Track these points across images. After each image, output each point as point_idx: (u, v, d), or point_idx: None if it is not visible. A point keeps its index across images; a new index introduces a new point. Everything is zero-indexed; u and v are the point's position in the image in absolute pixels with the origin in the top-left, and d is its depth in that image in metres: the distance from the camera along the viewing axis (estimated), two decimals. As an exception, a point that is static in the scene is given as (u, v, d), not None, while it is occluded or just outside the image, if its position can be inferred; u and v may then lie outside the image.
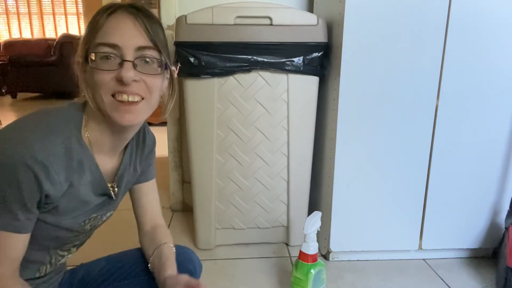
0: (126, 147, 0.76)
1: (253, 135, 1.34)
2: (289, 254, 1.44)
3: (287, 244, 1.50)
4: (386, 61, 1.20)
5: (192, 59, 1.23)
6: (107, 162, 0.71)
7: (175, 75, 0.73)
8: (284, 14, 1.25)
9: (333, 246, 1.35)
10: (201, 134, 1.32)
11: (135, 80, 0.61)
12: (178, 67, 1.24)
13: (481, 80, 1.23)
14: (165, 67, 0.67)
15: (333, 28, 1.28)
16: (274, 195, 1.42)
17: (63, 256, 0.75)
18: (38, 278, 0.72)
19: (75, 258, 0.85)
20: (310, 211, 1.32)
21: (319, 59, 1.28)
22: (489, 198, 1.34)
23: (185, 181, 1.80)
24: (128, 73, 0.60)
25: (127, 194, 0.86)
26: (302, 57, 1.26)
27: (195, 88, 1.28)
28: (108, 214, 0.77)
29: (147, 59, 0.63)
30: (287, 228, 1.47)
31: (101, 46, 0.60)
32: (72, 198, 0.64)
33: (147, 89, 0.64)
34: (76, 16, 7.39)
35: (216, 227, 1.44)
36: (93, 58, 0.61)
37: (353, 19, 1.17)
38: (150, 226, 0.87)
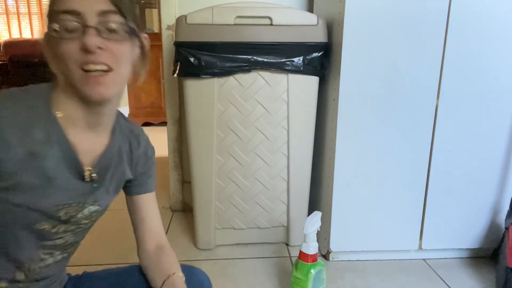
0: (114, 132, 0.71)
1: (253, 135, 1.34)
2: (289, 254, 1.44)
3: (287, 244, 1.50)
4: (386, 61, 1.20)
5: (192, 59, 1.23)
6: (84, 140, 0.66)
7: (147, 43, 0.69)
8: (284, 14, 1.25)
9: (333, 246, 1.35)
10: (201, 134, 1.32)
11: (100, 48, 0.58)
12: (178, 66, 1.24)
13: (481, 79, 1.23)
14: (132, 33, 0.62)
15: (333, 28, 1.28)
16: (274, 195, 1.42)
17: (43, 261, 0.67)
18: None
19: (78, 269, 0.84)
20: (310, 211, 1.32)
21: (319, 59, 1.28)
22: (489, 198, 1.34)
23: (185, 181, 1.80)
24: (92, 39, 0.56)
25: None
26: (302, 57, 1.26)
27: (195, 88, 1.28)
28: (91, 207, 0.70)
29: (111, 24, 0.59)
30: (287, 228, 1.47)
31: (62, 14, 0.57)
32: (37, 173, 0.59)
33: (114, 58, 0.60)
34: (76, 16, 7.40)
35: (216, 227, 1.44)
36: (56, 28, 0.57)
37: (353, 19, 1.17)
38: (154, 246, 0.81)
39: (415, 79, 1.22)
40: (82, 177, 0.66)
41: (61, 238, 0.68)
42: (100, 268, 0.87)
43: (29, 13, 7.03)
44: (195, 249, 1.46)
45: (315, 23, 1.26)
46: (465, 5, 1.17)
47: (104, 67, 0.59)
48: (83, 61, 0.58)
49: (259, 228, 1.46)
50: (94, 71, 0.58)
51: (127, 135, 0.76)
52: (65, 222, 0.67)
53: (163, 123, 1.85)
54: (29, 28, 7.01)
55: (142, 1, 3.46)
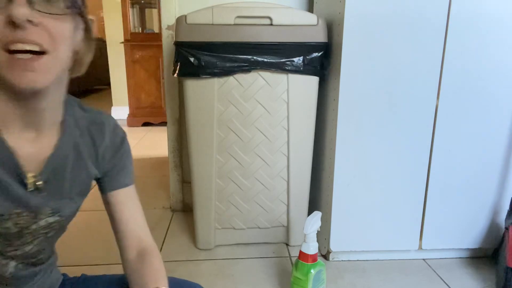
0: (65, 128, 0.60)
1: (253, 135, 1.34)
2: (289, 254, 1.44)
3: (287, 244, 1.50)
4: (386, 61, 1.20)
5: (192, 59, 1.23)
6: (26, 143, 0.55)
7: (93, 26, 0.58)
8: (284, 14, 1.25)
9: (333, 246, 1.35)
10: (201, 134, 1.32)
11: (31, 22, 0.45)
12: (178, 66, 1.24)
13: (481, 79, 1.23)
14: (77, 9, 0.51)
15: (333, 28, 1.28)
16: (274, 195, 1.42)
17: (7, 270, 0.59)
18: None
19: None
20: (310, 211, 1.32)
21: (319, 59, 1.28)
22: (489, 198, 1.34)
23: (185, 181, 1.80)
24: (20, 10, 0.44)
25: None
26: (302, 57, 1.26)
27: (195, 88, 1.28)
28: (49, 219, 0.59)
29: None
30: (287, 228, 1.47)
31: None
32: None
33: (50, 37, 0.47)
34: (76, 16, 7.39)
35: (216, 227, 1.44)
36: None
37: (353, 19, 1.17)
38: (136, 254, 0.68)
39: (415, 79, 1.22)
40: (23, 181, 0.55)
41: (16, 250, 0.59)
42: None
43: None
44: (195, 249, 1.46)
45: (315, 23, 1.26)
46: (465, 5, 1.17)
47: (36, 48, 0.47)
48: (9, 39, 0.45)
49: (259, 228, 1.46)
50: (23, 52, 0.46)
51: (86, 127, 0.63)
52: (18, 234, 0.57)
53: (163, 123, 1.85)
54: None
55: (142, 1, 3.46)
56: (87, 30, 0.57)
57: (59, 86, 0.55)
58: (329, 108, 1.33)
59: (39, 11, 0.46)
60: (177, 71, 1.26)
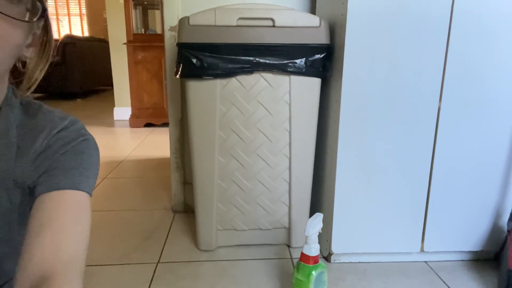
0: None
1: (255, 136, 1.34)
2: (291, 256, 1.44)
3: (288, 246, 1.49)
4: (388, 63, 1.20)
5: (194, 60, 1.23)
6: None
7: (51, 31, 0.49)
8: (287, 16, 1.25)
9: (334, 248, 1.35)
10: (203, 135, 1.33)
11: None
12: (180, 67, 1.25)
13: (484, 83, 1.23)
14: (40, 15, 0.43)
15: (335, 30, 1.28)
16: (276, 196, 1.41)
17: None
18: None
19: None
20: (311, 213, 1.32)
21: (322, 61, 1.28)
22: (492, 201, 1.33)
23: (187, 182, 1.80)
24: None
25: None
26: (304, 58, 1.26)
27: (197, 89, 1.28)
28: None
29: None
30: (289, 230, 1.47)
31: None
32: None
33: None
34: (79, 17, 7.43)
35: (218, 228, 1.44)
36: None
37: (355, 21, 1.17)
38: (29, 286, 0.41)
39: (418, 82, 1.22)
40: None
41: None
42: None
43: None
44: (197, 250, 1.46)
45: (318, 25, 1.26)
46: (468, 8, 1.17)
47: None
48: None
49: (260, 229, 1.46)
50: None
51: (16, 133, 0.53)
52: None
53: (165, 124, 1.85)
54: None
55: (145, 3, 3.47)
56: (46, 34, 0.49)
57: None
58: (331, 109, 1.33)
59: None
60: (179, 72, 1.26)
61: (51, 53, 0.50)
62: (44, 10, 0.44)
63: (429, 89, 1.23)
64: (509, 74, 1.23)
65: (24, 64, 0.48)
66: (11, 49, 0.42)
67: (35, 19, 0.43)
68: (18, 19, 0.40)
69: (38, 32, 0.47)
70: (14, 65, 0.46)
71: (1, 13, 0.38)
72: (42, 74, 0.50)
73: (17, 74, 0.49)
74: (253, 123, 1.32)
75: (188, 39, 1.23)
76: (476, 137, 1.27)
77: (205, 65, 1.23)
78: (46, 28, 0.48)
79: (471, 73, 1.22)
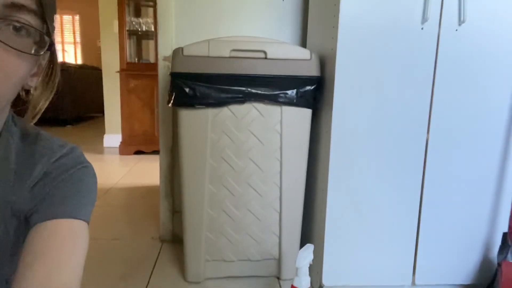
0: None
1: (246, 165, 1.34)
2: (280, 288, 1.40)
3: (278, 278, 1.46)
4: (377, 95, 1.23)
5: (187, 90, 1.24)
6: None
7: (57, 62, 0.49)
8: (279, 49, 1.29)
9: (325, 281, 1.32)
10: (194, 164, 1.32)
11: None
12: (173, 96, 1.26)
13: (470, 113, 1.26)
14: (47, 46, 0.43)
15: (325, 63, 1.32)
16: (266, 226, 1.40)
17: None
18: None
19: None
20: (302, 244, 1.30)
21: (312, 92, 1.31)
22: (481, 234, 1.34)
23: (176, 211, 1.77)
24: None
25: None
26: (295, 90, 1.29)
27: (189, 118, 1.29)
28: None
29: (17, 25, 0.39)
30: (279, 261, 1.44)
31: None
32: None
33: (1, 72, 0.39)
34: (73, 45, 7.52)
35: (206, 259, 1.41)
36: None
37: (345, 55, 1.21)
38: None
39: (406, 113, 1.25)
40: None
41: None
42: None
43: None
44: (184, 282, 1.42)
45: (309, 57, 1.30)
46: (453, 42, 1.22)
47: None
48: None
49: (250, 260, 1.43)
50: None
51: (15, 161, 0.52)
52: None
53: (155, 152, 1.85)
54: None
55: (140, 33, 3.54)
56: (53, 65, 0.49)
57: None
58: (322, 140, 1.34)
59: (1, 41, 0.38)
60: (172, 101, 1.27)
61: (57, 83, 0.50)
62: (52, 43, 0.44)
63: (417, 121, 1.26)
64: (494, 106, 1.27)
65: (27, 91, 0.48)
66: (16, 81, 0.42)
67: (41, 52, 0.43)
68: (25, 52, 0.40)
69: (44, 62, 0.48)
70: (18, 94, 0.46)
71: (9, 46, 0.39)
72: (47, 104, 0.50)
73: (18, 102, 0.49)
74: (244, 152, 1.33)
75: (182, 69, 1.25)
76: (465, 169, 1.29)
77: (198, 94, 1.25)
78: (53, 59, 0.48)
79: (458, 106, 1.26)
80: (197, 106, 1.26)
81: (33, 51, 0.42)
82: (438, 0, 1.19)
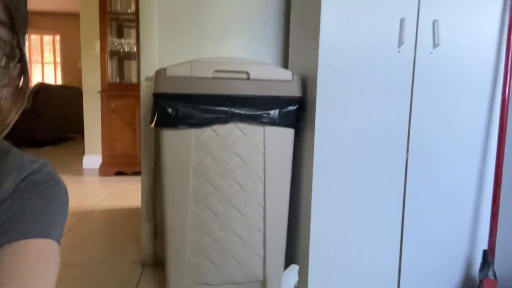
0: None
1: (229, 185, 1.33)
2: (265, 312, 1.37)
3: (263, 301, 1.43)
4: (358, 114, 1.25)
5: (170, 110, 1.24)
6: None
7: (28, 75, 0.48)
8: (261, 70, 1.30)
9: (310, 302, 1.31)
10: (177, 184, 1.30)
11: None
12: (155, 117, 1.25)
13: (447, 132, 1.30)
14: (19, 58, 0.42)
15: (307, 84, 1.34)
16: (250, 247, 1.38)
17: None
18: None
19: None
20: (287, 264, 1.28)
21: (294, 112, 1.32)
22: (463, 251, 1.35)
23: (158, 234, 1.73)
24: None
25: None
26: (278, 110, 1.30)
27: (172, 138, 1.28)
28: None
29: None
30: (264, 283, 1.42)
31: None
32: None
33: None
34: (53, 66, 7.43)
35: (189, 283, 1.37)
36: None
37: (326, 75, 1.23)
38: None
39: (386, 132, 1.27)
40: None
41: None
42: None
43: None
44: (166, 308, 1.37)
45: (290, 78, 1.32)
46: (428, 64, 1.26)
47: None
48: None
49: (234, 283, 1.40)
50: None
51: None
52: None
53: (137, 173, 1.81)
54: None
55: (121, 54, 3.54)
56: (23, 75, 0.47)
57: None
58: (305, 159, 1.35)
59: None
60: (154, 121, 1.26)
61: (27, 96, 0.48)
62: (22, 56, 0.43)
63: (397, 140, 1.28)
64: (470, 126, 1.31)
65: None
66: None
67: (11, 65, 0.42)
68: None
69: (15, 73, 0.46)
70: None
71: None
72: (16, 118, 0.48)
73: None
74: (228, 173, 1.32)
75: (164, 89, 1.25)
76: (444, 187, 1.32)
77: (181, 114, 1.24)
78: (24, 71, 0.47)
79: (435, 125, 1.29)
80: (180, 127, 1.26)
81: (3, 64, 0.41)
82: (413, 24, 1.24)
